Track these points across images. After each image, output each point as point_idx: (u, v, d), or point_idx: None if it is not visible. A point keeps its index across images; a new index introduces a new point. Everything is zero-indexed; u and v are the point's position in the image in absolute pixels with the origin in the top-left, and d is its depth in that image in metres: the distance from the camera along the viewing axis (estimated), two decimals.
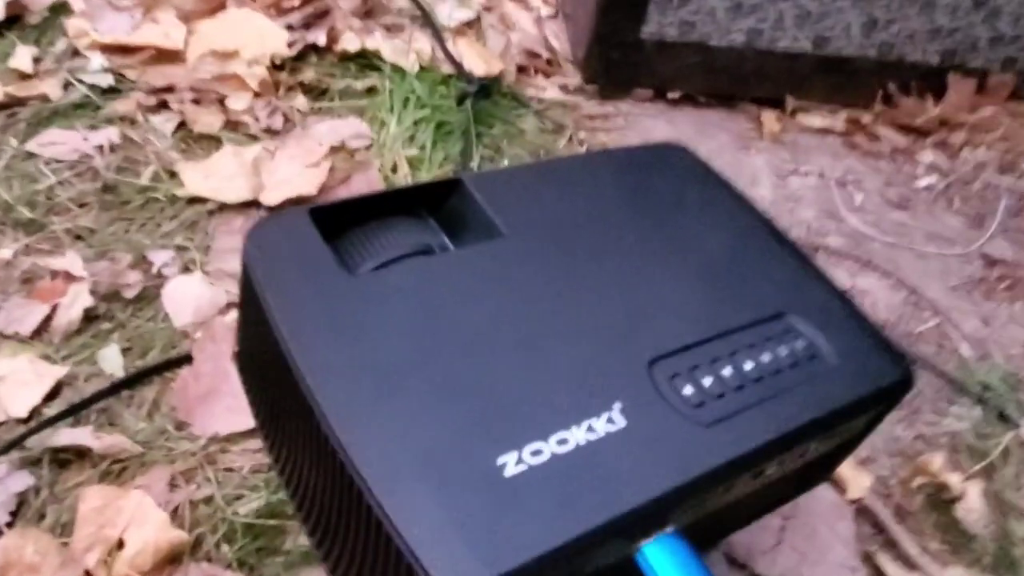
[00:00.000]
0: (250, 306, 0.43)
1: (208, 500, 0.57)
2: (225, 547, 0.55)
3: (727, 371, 0.43)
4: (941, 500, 0.69)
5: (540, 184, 0.50)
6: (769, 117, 1.05)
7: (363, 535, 0.37)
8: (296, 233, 0.44)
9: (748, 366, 0.43)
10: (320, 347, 0.39)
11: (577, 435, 0.38)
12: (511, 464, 0.36)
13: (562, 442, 0.37)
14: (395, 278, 0.43)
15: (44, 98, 0.81)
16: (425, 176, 0.83)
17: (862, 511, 0.67)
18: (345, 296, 0.41)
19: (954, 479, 0.69)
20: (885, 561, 0.64)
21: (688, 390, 0.41)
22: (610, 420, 0.39)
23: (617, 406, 0.39)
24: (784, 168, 1.00)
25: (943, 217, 0.98)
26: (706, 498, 0.40)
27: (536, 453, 0.36)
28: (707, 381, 0.42)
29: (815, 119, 1.06)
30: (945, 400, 0.78)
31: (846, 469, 0.69)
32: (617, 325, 0.43)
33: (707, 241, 0.49)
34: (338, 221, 0.46)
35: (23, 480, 0.56)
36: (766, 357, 0.44)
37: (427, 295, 0.42)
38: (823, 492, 0.67)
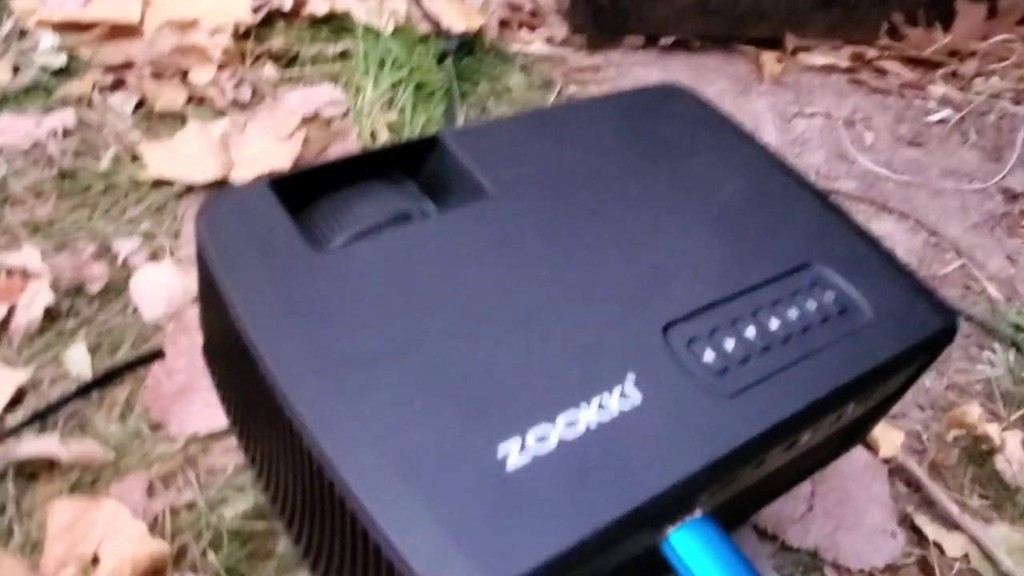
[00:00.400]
0: (208, 292, 0.39)
1: (190, 506, 0.53)
2: (212, 555, 0.51)
3: (751, 332, 0.38)
4: (979, 452, 0.65)
5: (529, 136, 0.45)
6: (769, 58, 0.99)
7: (350, 545, 0.32)
8: (256, 207, 0.39)
9: (774, 325, 0.39)
10: (287, 335, 0.34)
11: (587, 415, 0.33)
12: (513, 454, 0.31)
13: (571, 424, 0.33)
14: (370, 252, 0.38)
15: None
16: None
17: (896, 470, 0.63)
18: (314, 276, 0.36)
19: (992, 429, 0.65)
20: (924, 522, 0.60)
21: (709, 356, 0.36)
22: (623, 395, 0.34)
23: (631, 378, 0.35)
24: (788, 111, 0.94)
25: (959, 152, 0.93)
26: (736, 476, 0.36)
27: (542, 439, 0.32)
28: (729, 345, 0.37)
29: (817, 57, 1.00)
30: (976, 346, 0.73)
31: (876, 427, 0.64)
32: (625, 288, 0.38)
33: (719, 188, 0.44)
34: (304, 191, 0.41)
35: None
36: (793, 313, 0.39)
37: (407, 269, 0.37)
38: (854, 452, 0.62)
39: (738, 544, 0.36)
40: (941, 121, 0.95)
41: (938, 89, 0.98)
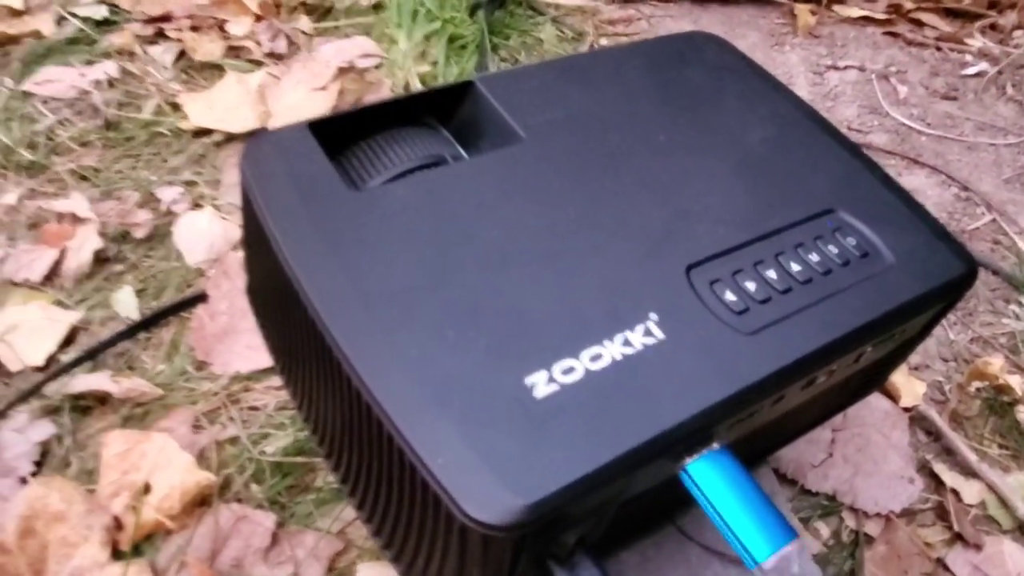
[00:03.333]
0: (252, 231, 0.40)
1: (234, 440, 0.55)
2: (255, 487, 0.54)
3: (772, 274, 0.39)
4: (1000, 403, 0.66)
5: (560, 82, 0.46)
6: (803, 10, 0.98)
7: (387, 468, 0.34)
8: (296, 149, 0.40)
9: (796, 267, 0.40)
10: (328, 271, 0.36)
11: (612, 350, 0.34)
12: (541, 384, 0.33)
13: (596, 358, 0.34)
14: (405, 192, 0.39)
15: (37, 35, 0.78)
16: None
17: (916, 419, 0.64)
18: (353, 215, 0.38)
19: (1014, 380, 0.66)
20: (942, 469, 0.61)
21: (730, 296, 0.38)
22: (647, 332, 0.35)
23: (654, 317, 0.36)
24: (821, 64, 0.93)
25: (994, 106, 0.92)
26: (753, 411, 0.37)
27: (568, 371, 0.33)
28: (751, 285, 0.38)
29: (852, 9, 0.99)
30: (1002, 299, 0.73)
31: (898, 377, 0.65)
32: (651, 230, 0.39)
33: (746, 134, 0.45)
34: (341, 135, 0.43)
35: (45, 429, 0.54)
36: (815, 257, 0.40)
37: (441, 209, 0.38)
38: (875, 401, 0.63)
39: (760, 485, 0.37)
40: (977, 74, 0.94)
41: (975, 42, 0.97)
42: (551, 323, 0.35)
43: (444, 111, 0.46)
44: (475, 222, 0.38)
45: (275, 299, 0.41)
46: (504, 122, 0.43)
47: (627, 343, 0.35)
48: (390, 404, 0.32)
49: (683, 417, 0.33)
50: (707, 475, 0.36)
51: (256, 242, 0.41)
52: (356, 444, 0.36)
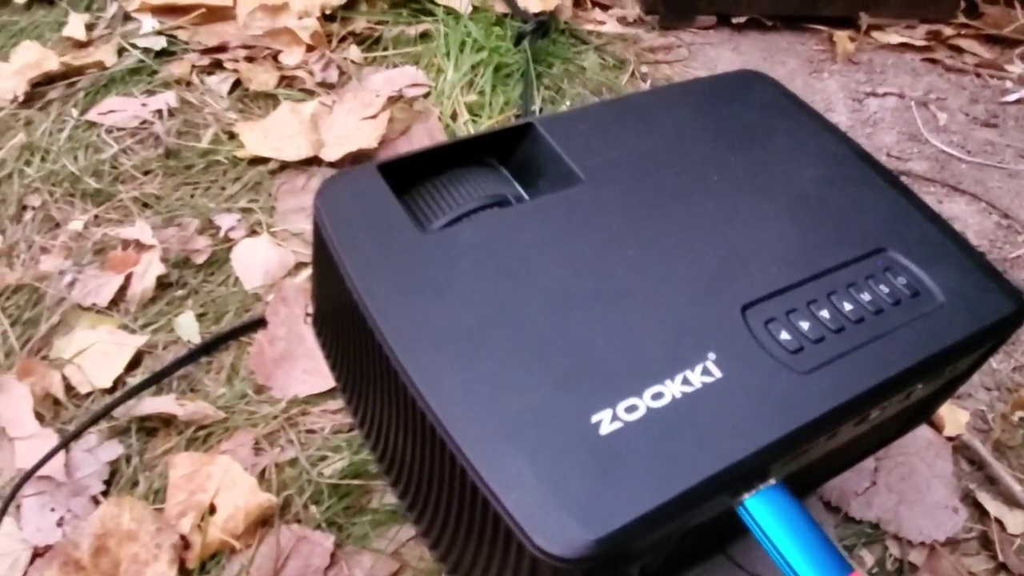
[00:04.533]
0: (324, 268, 0.42)
1: (293, 462, 0.57)
2: (313, 508, 0.55)
3: (825, 313, 0.40)
4: None
5: (616, 123, 0.47)
6: (842, 36, 0.99)
7: (457, 499, 0.36)
8: (367, 190, 0.42)
9: (848, 307, 0.41)
10: (401, 308, 0.38)
11: (672, 388, 0.36)
12: (606, 422, 0.34)
13: (657, 396, 0.35)
14: (471, 233, 0.41)
15: (100, 65, 0.81)
16: (486, 122, 0.81)
17: (960, 448, 0.64)
18: (422, 254, 0.40)
19: None
20: (986, 499, 0.62)
21: (785, 335, 0.39)
22: (705, 371, 0.37)
23: (712, 356, 0.37)
24: (860, 90, 0.94)
25: None
26: (808, 448, 0.38)
27: (631, 409, 0.35)
28: (805, 325, 0.40)
29: (891, 35, 1.00)
30: None
31: (942, 406, 0.66)
32: (707, 270, 0.41)
33: (797, 174, 0.47)
34: (407, 174, 0.45)
35: (113, 450, 0.57)
36: (867, 296, 0.41)
37: (505, 249, 0.40)
38: (918, 430, 0.64)
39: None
40: (1018, 101, 0.94)
41: (1016, 68, 0.97)
42: (614, 361, 0.36)
43: (503, 151, 0.48)
44: (539, 262, 0.40)
45: (345, 333, 0.43)
46: (563, 163, 0.45)
47: (687, 382, 0.36)
48: (464, 440, 0.34)
49: (742, 455, 0.35)
50: (765, 510, 0.37)
51: (327, 277, 0.43)
52: (426, 475, 0.38)
